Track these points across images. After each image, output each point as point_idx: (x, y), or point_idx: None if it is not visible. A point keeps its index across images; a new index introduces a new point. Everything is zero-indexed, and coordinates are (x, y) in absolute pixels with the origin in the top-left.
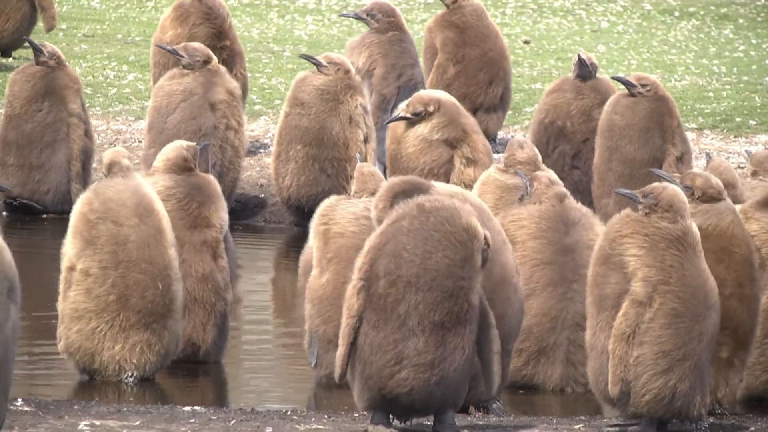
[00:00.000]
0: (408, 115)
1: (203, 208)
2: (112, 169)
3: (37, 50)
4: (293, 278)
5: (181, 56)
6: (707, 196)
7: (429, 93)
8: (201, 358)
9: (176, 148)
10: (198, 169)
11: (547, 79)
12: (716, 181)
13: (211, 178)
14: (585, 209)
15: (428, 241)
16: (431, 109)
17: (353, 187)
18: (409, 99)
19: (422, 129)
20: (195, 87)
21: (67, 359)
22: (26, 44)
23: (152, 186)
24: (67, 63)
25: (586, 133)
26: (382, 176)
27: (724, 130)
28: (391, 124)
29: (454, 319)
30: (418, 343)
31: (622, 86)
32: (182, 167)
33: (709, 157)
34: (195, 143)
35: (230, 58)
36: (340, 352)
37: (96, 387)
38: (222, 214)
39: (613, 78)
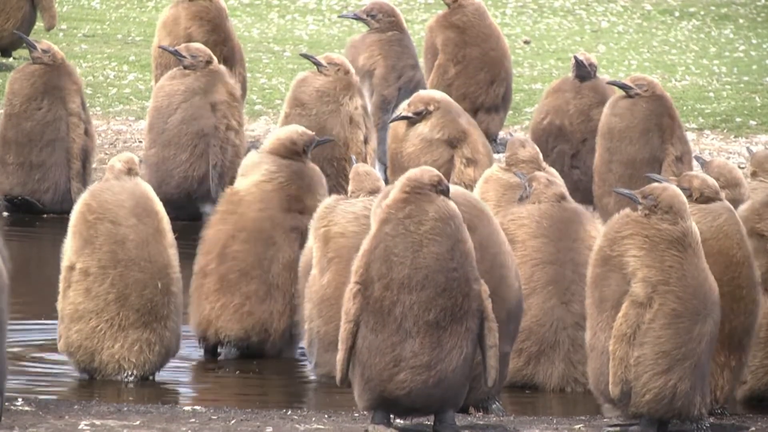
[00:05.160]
0: (410, 115)
1: (301, 193)
2: (108, 173)
3: (31, 46)
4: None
5: (183, 57)
6: (704, 198)
7: (429, 92)
8: (269, 347)
9: (289, 129)
10: (307, 156)
11: (547, 79)
12: (712, 182)
13: (316, 168)
14: (584, 209)
15: (413, 244)
16: (431, 108)
17: (350, 187)
18: (411, 98)
19: (422, 128)
20: (196, 87)
21: (66, 358)
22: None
23: (256, 168)
24: (67, 62)
25: (585, 133)
26: (378, 175)
27: (725, 131)
28: (392, 124)
29: (450, 317)
30: (414, 345)
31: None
32: (289, 149)
33: (700, 160)
34: (313, 133)
35: (229, 57)
36: (340, 356)
37: (96, 387)
38: (317, 204)
39: (608, 83)
